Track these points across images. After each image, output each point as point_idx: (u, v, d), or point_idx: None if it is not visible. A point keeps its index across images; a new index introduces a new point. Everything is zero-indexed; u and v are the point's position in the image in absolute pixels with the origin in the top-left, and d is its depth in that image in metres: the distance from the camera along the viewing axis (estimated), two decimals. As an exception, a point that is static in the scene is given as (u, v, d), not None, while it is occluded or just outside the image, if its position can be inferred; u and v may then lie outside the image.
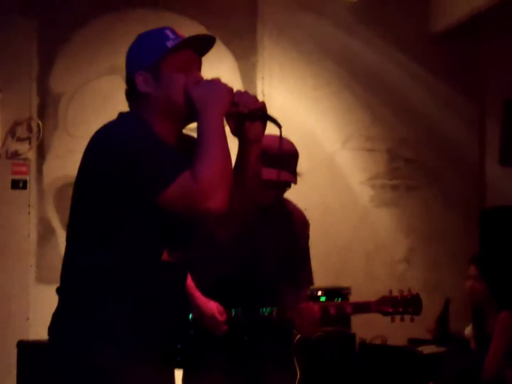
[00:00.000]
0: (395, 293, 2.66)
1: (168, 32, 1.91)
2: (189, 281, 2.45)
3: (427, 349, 4.23)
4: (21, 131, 4.69)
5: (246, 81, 4.89)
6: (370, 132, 5.10)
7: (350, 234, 5.03)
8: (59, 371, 1.86)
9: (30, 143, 4.70)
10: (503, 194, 5.07)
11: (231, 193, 1.81)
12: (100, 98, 4.67)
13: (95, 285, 1.84)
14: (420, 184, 5.17)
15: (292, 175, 2.57)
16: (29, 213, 4.69)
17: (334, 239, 4.97)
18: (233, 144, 1.89)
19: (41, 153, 4.73)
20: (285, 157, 2.49)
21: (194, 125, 1.89)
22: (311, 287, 2.76)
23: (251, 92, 1.92)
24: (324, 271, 4.04)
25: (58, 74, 4.76)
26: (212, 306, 2.50)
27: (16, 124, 4.68)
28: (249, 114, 1.89)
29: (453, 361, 3.87)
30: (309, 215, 2.78)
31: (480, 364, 3.57)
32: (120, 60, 2.07)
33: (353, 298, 4.40)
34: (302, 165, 2.64)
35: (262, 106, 1.91)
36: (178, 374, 2.37)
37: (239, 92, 1.90)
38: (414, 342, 4.53)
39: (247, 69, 4.93)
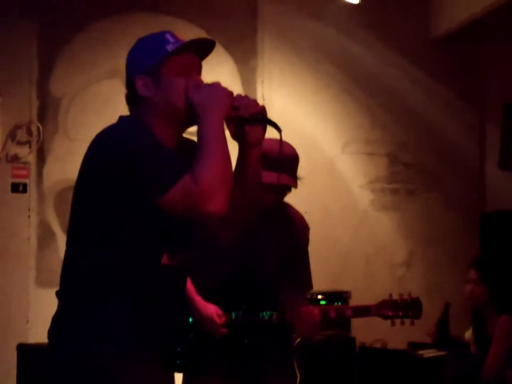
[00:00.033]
0: (395, 296, 2.67)
1: (168, 36, 1.92)
2: (189, 286, 2.46)
3: (427, 353, 4.23)
4: (21, 135, 4.69)
5: (246, 85, 4.90)
6: (370, 136, 5.11)
7: (350, 238, 5.04)
8: (59, 373, 1.86)
9: (30, 147, 4.70)
10: (503, 198, 5.08)
11: (231, 196, 1.81)
12: (100, 102, 4.68)
13: (95, 287, 1.84)
14: (420, 187, 5.17)
15: (292, 179, 2.57)
16: (29, 216, 4.69)
17: (334, 243, 4.97)
18: (233, 148, 1.89)
19: (41, 157, 4.73)
20: (285, 161, 2.50)
21: (194, 128, 1.89)
22: (311, 290, 2.76)
23: (251, 96, 1.92)
24: (324, 274, 4.05)
25: (58, 77, 4.76)
26: (211, 309, 2.51)
27: (16, 127, 4.69)
28: (249, 118, 1.89)
29: (453, 364, 3.88)
30: (309, 218, 2.78)
31: (480, 368, 3.58)
32: (120, 63, 2.07)
33: (353, 301, 4.40)
34: (302, 169, 2.65)
35: (262, 110, 1.91)
36: (178, 377, 2.37)
37: (239, 96, 1.90)
38: (414, 345, 4.52)
39: (247, 73, 4.94)
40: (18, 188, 4.67)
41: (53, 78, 4.75)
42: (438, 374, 3.92)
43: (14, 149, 4.67)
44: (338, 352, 4.37)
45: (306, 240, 2.73)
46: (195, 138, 1.87)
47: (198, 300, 2.51)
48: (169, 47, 1.89)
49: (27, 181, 4.69)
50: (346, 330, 4.46)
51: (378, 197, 5.12)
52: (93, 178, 1.84)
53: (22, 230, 4.67)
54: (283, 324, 2.59)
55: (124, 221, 1.83)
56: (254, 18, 4.96)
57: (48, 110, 4.75)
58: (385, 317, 2.65)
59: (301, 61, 5.00)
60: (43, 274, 4.62)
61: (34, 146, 4.70)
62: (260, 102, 1.93)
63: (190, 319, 2.54)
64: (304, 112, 5.01)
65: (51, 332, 1.90)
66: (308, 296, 2.77)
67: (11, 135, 4.67)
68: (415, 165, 5.16)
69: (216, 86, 1.88)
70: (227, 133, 1.88)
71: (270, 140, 2.05)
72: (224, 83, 1.90)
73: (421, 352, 4.26)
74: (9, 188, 4.67)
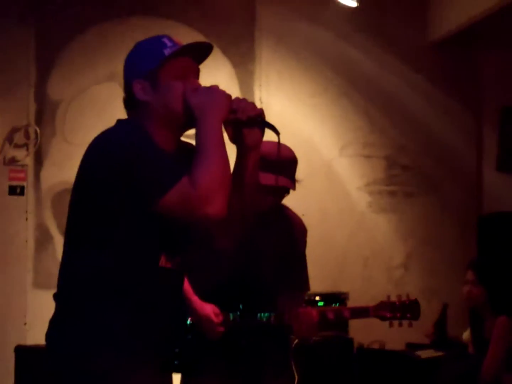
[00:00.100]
0: (393, 298, 2.67)
1: (166, 40, 1.92)
2: (186, 286, 2.46)
3: (425, 354, 4.23)
4: (19, 138, 4.69)
5: (244, 89, 4.90)
6: (368, 139, 5.12)
7: (347, 240, 5.04)
8: (57, 377, 1.86)
9: (27, 150, 4.70)
10: (500, 201, 5.09)
11: (230, 199, 1.82)
12: (98, 105, 4.68)
13: (93, 290, 1.84)
14: (417, 190, 5.18)
15: (290, 181, 2.58)
16: (26, 219, 4.69)
17: (332, 245, 4.98)
18: (231, 151, 1.90)
19: (39, 160, 4.73)
20: (283, 163, 2.51)
21: (192, 131, 1.90)
22: (308, 292, 2.77)
23: (249, 99, 1.93)
24: (321, 276, 4.05)
25: (56, 81, 4.76)
26: (208, 308, 2.51)
27: (14, 130, 4.69)
28: (248, 120, 1.90)
29: (451, 365, 3.88)
30: (307, 221, 2.79)
31: (478, 369, 3.58)
32: (118, 67, 2.08)
33: (351, 303, 4.41)
34: (300, 172, 2.66)
35: (261, 113, 1.91)
36: (176, 378, 2.37)
37: (237, 99, 1.91)
38: (412, 346, 4.53)
39: (245, 77, 4.94)
40: (16, 190, 4.68)
41: (51, 81, 4.76)
42: (436, 375, 3.93)
43: (12, 152, 4.68)
44: (336, 353, 4.37)
45: (304, 242, 2.74)
46: (193, 142, 1.88)
47: (195, 300, 2.52)
48: (167, 51, 1.89)
49: (24, 183, 4.70)
50: (344, 331, 4.47)
51: (376, 200, 5.12)
52: (90, 182, 1.84)
53: (19, 232, 4.68)
54: (281, 325, 2.59)
55: (122, 224, 1.83)
56: (252, 22, 4.97)
57: (46, 113, 4.75)
58: (383, 318, 2.65)
59: (299, 65, 5.01)
60: (41, 276, 4.63)
61: (32, 149, 4.71)
62: (258, 105, 1.93)
63: (188, 321, 2.55)
64: (302, 115, 5.01)
65: (48, 335, 1.90)
66: (306, 298, 2.77)
67: (9, 138, 4.68)
68: (413, 167, 5.17)
69: (214, 89, 1.88)
70: (225, 136, 1.89)
71: (269, 142, 2.06)
72: (222, 87, 1.90)
73: (419, 353, 4.27)
74: (7, 190, 4.67)
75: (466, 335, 3.96)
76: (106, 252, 1.84)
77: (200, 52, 1.95)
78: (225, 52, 4.86)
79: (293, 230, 2.70)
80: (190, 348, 2.48)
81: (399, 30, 5.09)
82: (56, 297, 1.92)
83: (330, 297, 4.46)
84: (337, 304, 4.41)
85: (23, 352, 4.17)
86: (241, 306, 2.56)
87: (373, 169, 5.12)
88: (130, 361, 1.84)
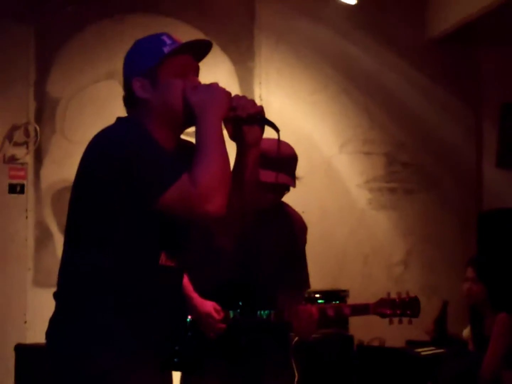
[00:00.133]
0: (393, 295, 2.67)
1: (165, 38, 1.92)
2: (186, 283, 2.46)
3: (425, 351, 4.23)
4: (19, 136, 4.69)
5: (244, 86, 4.90)
6: (368, 136, 5.12)
7: (347, 237, 5.05)
8: (58, 376, 1.86)
9: (27, 148, 4.70)
10: (500, 197, 5.09)
11: (230, 196, 1.81)
12: (98, 103, 4.68)
13: (93, 289, 1.84)
14: (417, 187, 5.18)
15: (290, 178, 2.58)
16: (26, 217, 4.69)
17: (332, 242, 4.98)
18: (231, 149, 1.90)
19: (39, 158, 4.73)
20: (284, 160, 2.50)
21: (192, 129, 1.90)
22: (308, 290, 2.77)
23: (248, 96, 1.93)
24: (321, 274, 4.06)
25: (56, 79, 4.76)
26: (208, 305, 2.51)
27: (14, 128, 4.69)
28: (247, 118, 1.90)
29: (451, 362, 3.88)
30: (307, 218, 2.79)
31: (478, 366, 3.58)
32: (118, 65, 2.07)
33: (351, 300, 4.41)
34: (300, 169, 2.65)
35: (260, 110, 1.91)
36: (176, 377, 2.37)
37: (237, 96, 1.90)
38: (412, 344, 4.53)
39: (245, 74, 4.94)
40: (16, 189, 4.68)
41: (50, 79, 4.76)
42: (436, 372, 3.93)
43: (12, 150, 4.68)
44: (336, 350, 4.37)
45: (304, 240, 2.73)
46: (193, 139, 1.88)
47: (195, 297, 2.52)
48: (166, 49, 1.89)
49: (24, 182, 4.70)
50: (344, 328, 4.47)
51: (376, 197, 5.13)
52: (90, 180, 1.84)
53: (19, 231, 4.67)
54: (281, 323, 2.59)
55: (122, 223, 1.83)
56: (251, 19, 4.97)
57: (45, 111, 4.75)
58: (383, 315, 2.65)
59: (298, 62, 5.01)
60: (41, 274, 4.63)
61: (32, 147, 4.71)
62: (258, 103, 1.93)
63: (188, 318, 2.55)
64: (301, 113, 5.02)
65: (48, 334, 1.89)
66: (306, 295, 2.77)
67: (9, 136, 4.67)
68: (412, 164, 5.17)
69: (213, 86, 1.88)
70: (225, 133, 1.89)
71: (269, 139, 2.06)
72: (222, 84, 1.90)
73: (419, 350, 4.27)
74: (7, 189, 4.67)
75: (466, 332, 3.96)
76: (106, 250, 1.84)
77: (200, 50, 1.95)
78: (225, 49, 4.85)
79: (293, 228, 2.70)
80: (190, 345, 2.48)
81: (398, 27, 5.09)
82: (56, 295, 1.92)
83: (330, 295, 4.46)
84: (337, 302, 4.41)
85: (23, 351, 4.17)
86: (240, 304, 2.56)
87: (373, 166, 5.12)
88: (130, 361, 1.84)
